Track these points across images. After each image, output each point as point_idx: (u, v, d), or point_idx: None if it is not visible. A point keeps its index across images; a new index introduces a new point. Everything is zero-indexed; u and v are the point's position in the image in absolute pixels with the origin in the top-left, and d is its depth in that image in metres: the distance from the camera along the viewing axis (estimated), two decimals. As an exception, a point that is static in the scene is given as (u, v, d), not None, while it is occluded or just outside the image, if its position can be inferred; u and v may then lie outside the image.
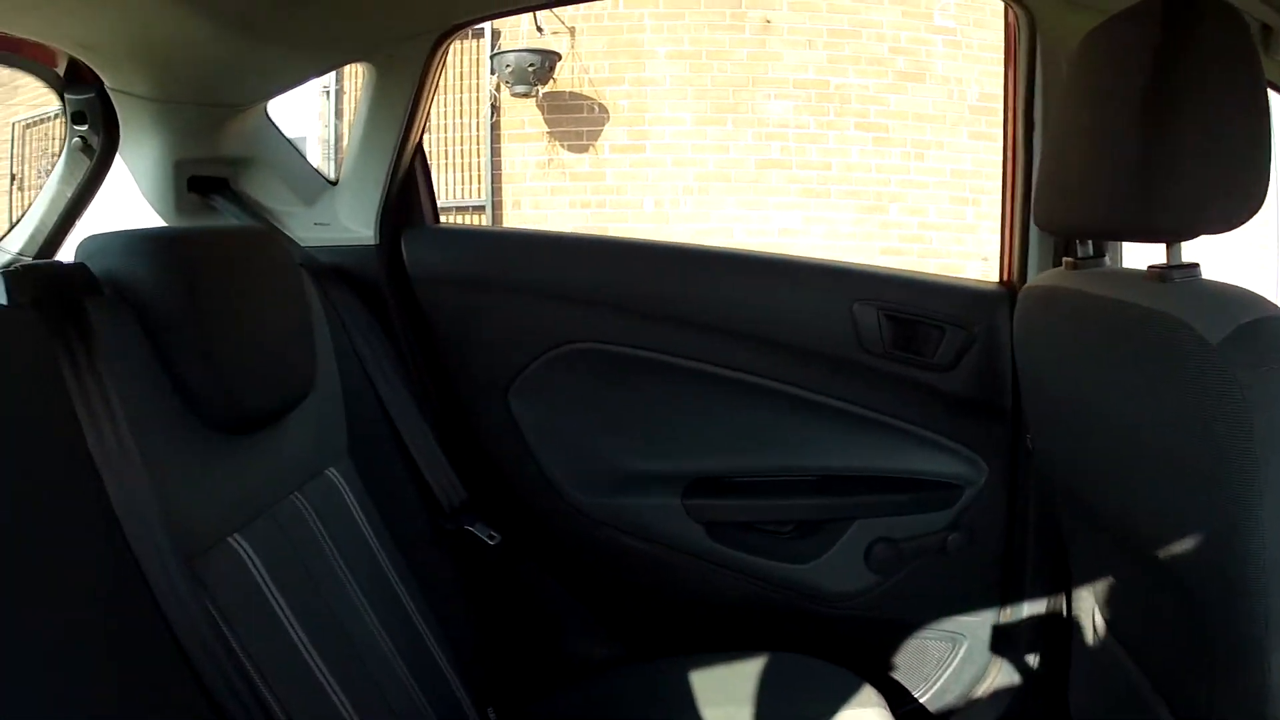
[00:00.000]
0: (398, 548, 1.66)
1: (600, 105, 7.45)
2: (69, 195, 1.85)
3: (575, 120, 7.45)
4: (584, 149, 7.50)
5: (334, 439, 1.66)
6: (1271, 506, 1.01)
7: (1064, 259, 1.49)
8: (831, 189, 7.38)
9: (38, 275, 1.26)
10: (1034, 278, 1.64)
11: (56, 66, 1.76)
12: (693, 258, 1.91)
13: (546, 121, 7.41)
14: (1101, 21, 1.23)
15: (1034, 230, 1.75)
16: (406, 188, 1.94)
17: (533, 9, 2.42)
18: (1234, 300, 1.09)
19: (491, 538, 1.77)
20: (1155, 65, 1.07)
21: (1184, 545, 1.11)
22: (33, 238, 1.87)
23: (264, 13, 1.62)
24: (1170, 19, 1.07)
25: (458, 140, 7.27)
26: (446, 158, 7.23)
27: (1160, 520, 1.15)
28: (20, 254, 1.87)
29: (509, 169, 7.35)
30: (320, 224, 1.96)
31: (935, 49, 7.23)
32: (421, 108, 1.87)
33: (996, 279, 1.85)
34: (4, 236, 1.92)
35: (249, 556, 1.35)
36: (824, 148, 7.38)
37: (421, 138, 1.94)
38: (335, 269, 1.82)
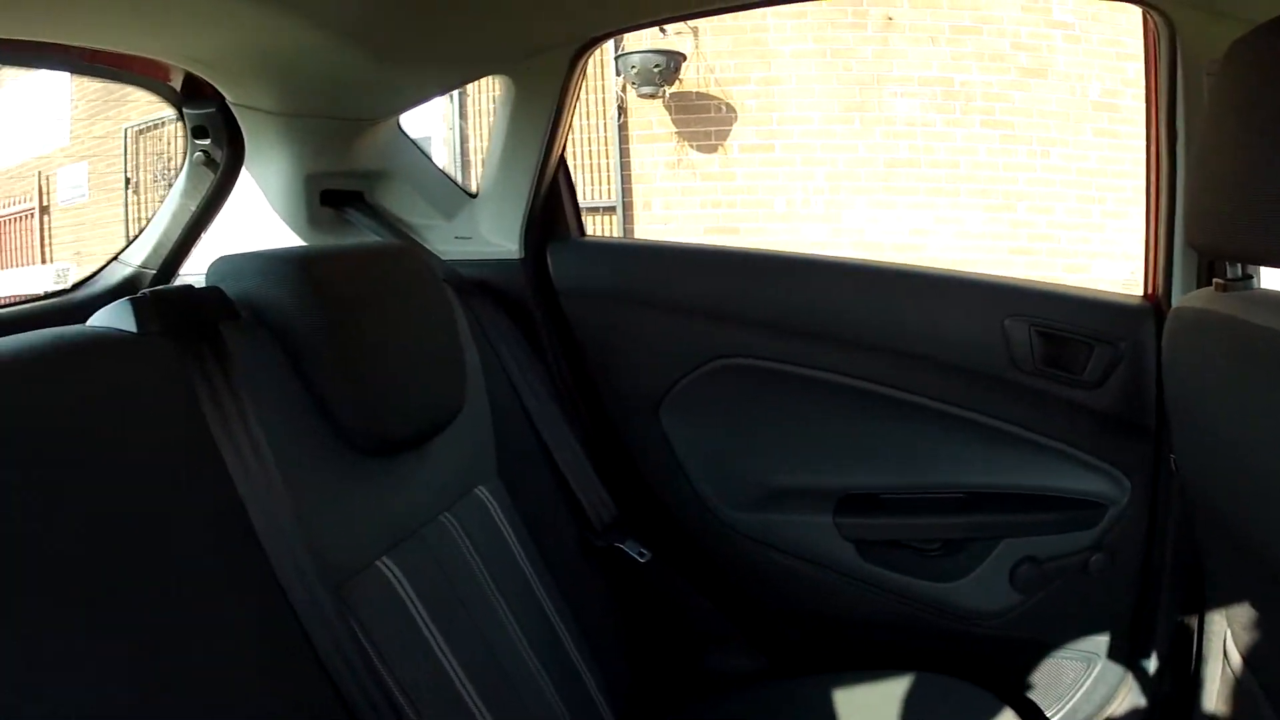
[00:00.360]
0: (547, 566, 1.67)
1: (728, 105, 7.50)
2: (192, 209, 1.90)
3: (703, 120, 7.52)
4: (713, 149, 7.56)
5: (483, 457, 1.67)
6: None
7: (1214, 280, 1.46)
8: (960, 187, 7.36)
9: (169, 300, 1.25)
10: (1183, 298, 1.61)
11: (171, 81, 1.79)
12: (843, 271, 1.92)
13: (674, 122, 7.49)
14: (1246, 31, 1.19)
15: (1178, 245, 1.72)
16: (550, 200, 1.95)
17: (669, 20, 2.43)
18: None
19: (642, 555, 1.78)
20: None
21: None
22: (155, 251, 1.92)
23: (393, 29, 1.63)
24: None
25: (585, 142, 7.42)
26: (575, 159, 7.37)
27: None
28: (143, 267, 1.94)
29: (638, 169, 7.48)
30: (461, 237, 1.98)
31: (1055, 44, 7.23)
32: (564, 121, 1.89)
33: (1143, 293, 1.83)
34: (125, 250, 1.97)
35: (397, 580, 1.35)
36: (951, 146, 7.36)
37: (564, 150, 1.96)
38: (479, 283, 1.84)
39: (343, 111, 1.86)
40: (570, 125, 1.94)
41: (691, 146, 7.54)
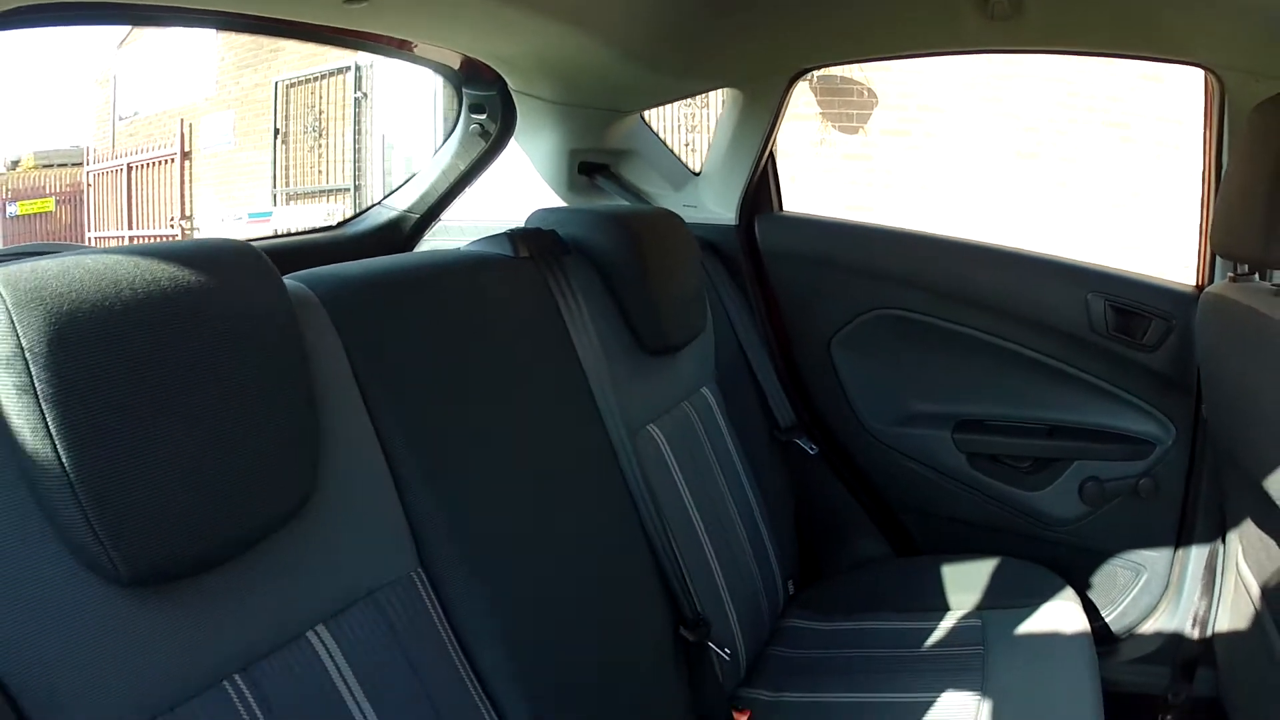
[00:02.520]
0: (745, 451, 2.03)
1: (869, 90, 7.51)
2: (460, 169, 2.15)
3: (846, 104, 7.54)
4: (854, 130, 7.57)
5: (708, 365, 2.06)
6: None
7: (1228, 275, 1.78)
8: (1081, 182, 7.35)
9: (532, 236, 1.64)
10: (1210, 287, 1.88)
11: (453, 64, 2.00)
12: (969, 249, 2.23)
13: (819, 104, 7.52)
14: (1275, 94, 1.49)
15: None
16: (760, 182, 2.32)
17: (872, 60, 2.66)
18: None
19: (811, 448, 2.21)
20: None
21: None
22: (421, 199, 2.19)
23: (660, 46, 1.93)
24: None
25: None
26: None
27: None
28: (407, 211, 2.20)
29: (784, 146, 7.51)
30: (689, 205, 2.35)
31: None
32: (777, 125, 2.26)
33: (1194, 283, 2.10)
34: (388, 196, 2.23)
35: (660, 441, 1.78)
36: (1073, 141, 7.36)
37: (774, 147, 2.34)
38: (703, 242, 2.21)
39: (605, 103, 2.19)
40: (779, 128, 2.28)
41: (834, 127, 7.55)
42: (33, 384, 0.78)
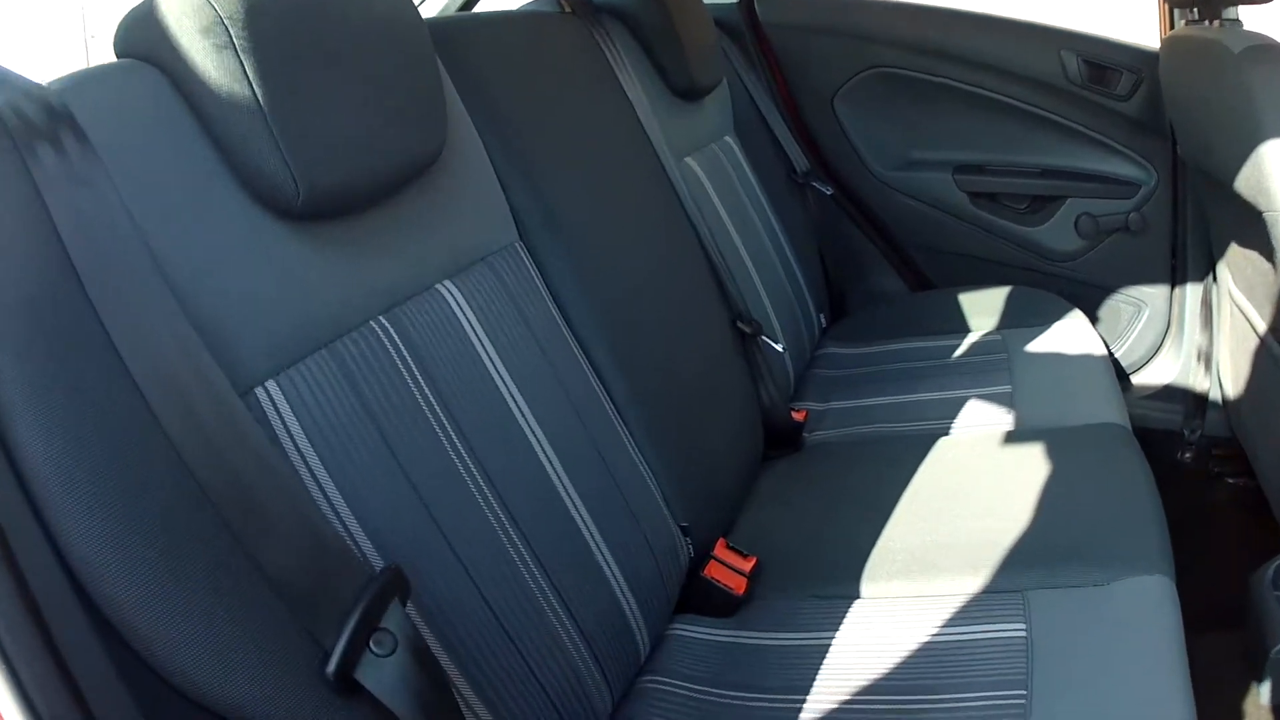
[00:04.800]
0: (768, 194, 2.15)
1: None
2: None
3: None
4: None
5: (728, 116, 2.19)
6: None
7: (1183, 22, 1.93)
8: None
9: None
10: (1170, 33, 2.03)
11: None
12: (950, 14, 2.32)
13: None
14: None
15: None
16: None
17: None
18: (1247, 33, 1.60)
19: (827, 189, 2.35)
20: None
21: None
22: None
23: None
24: None
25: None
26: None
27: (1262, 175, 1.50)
28: None
29: None
30: None
31: None
32: None
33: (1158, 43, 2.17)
34: None
35: (699, 172, 1.90)
36: None
37: None
38: (717, 20, 2.26)
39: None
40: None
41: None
42: (232, 42, 0.86)
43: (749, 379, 1.74)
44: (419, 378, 1.02)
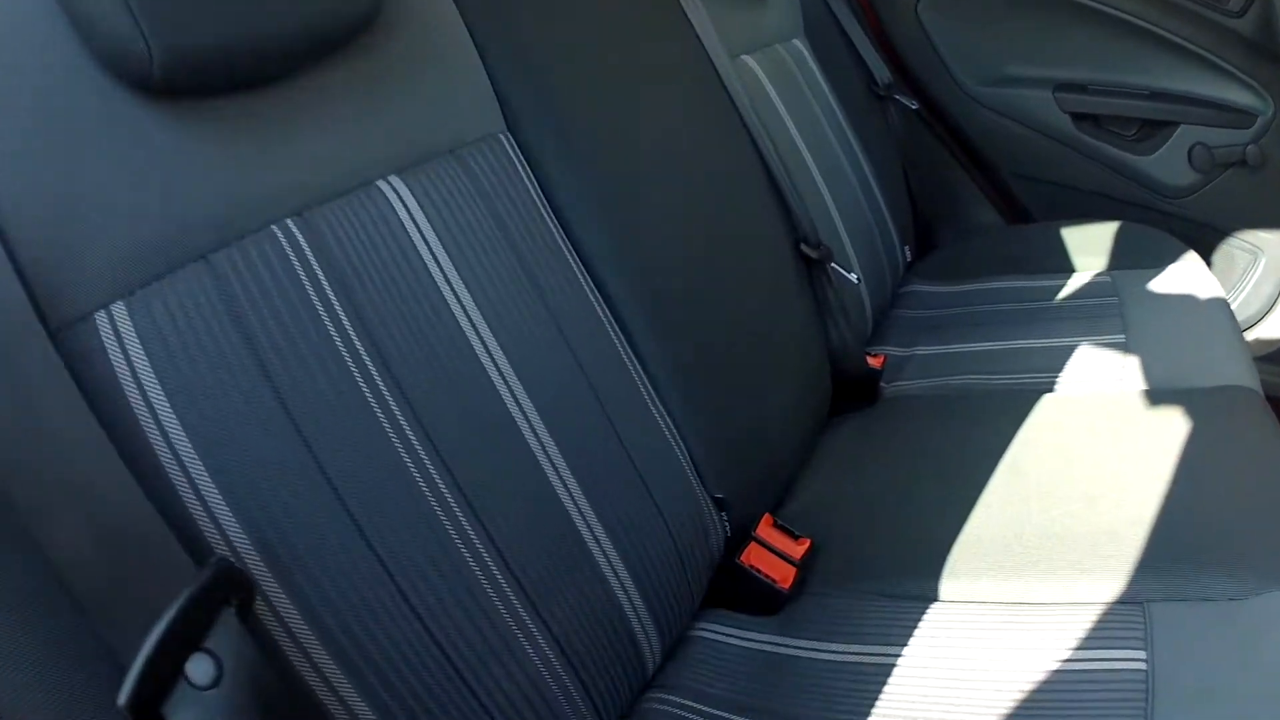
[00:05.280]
0: (846, 108, 1.93)
1: None
2: None
3: None
4: None
5: (797, 18, 1.94)
6: None
7: None
8: None
9: None
10: None
11: None
12: None
13: None
14: None
15: None
16: None
17: None
18: None
19: (913, 104, 2.12)
20: None
21: None
22: None
23: None
24: None
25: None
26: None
27: None
28: None
29: None
30: None
31: None
32: None
33: None
34: None
35: (759, 72, 1.65)
36: None
37: None
38: None
39: None
40: None
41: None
42: None
43: (815, 315, 1.48)
44: (332, 299, 0.78)
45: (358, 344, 0.78)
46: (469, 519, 0.80)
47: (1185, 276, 1.77)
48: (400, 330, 0.81)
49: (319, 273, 0.77)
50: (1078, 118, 2.18)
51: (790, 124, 1.69)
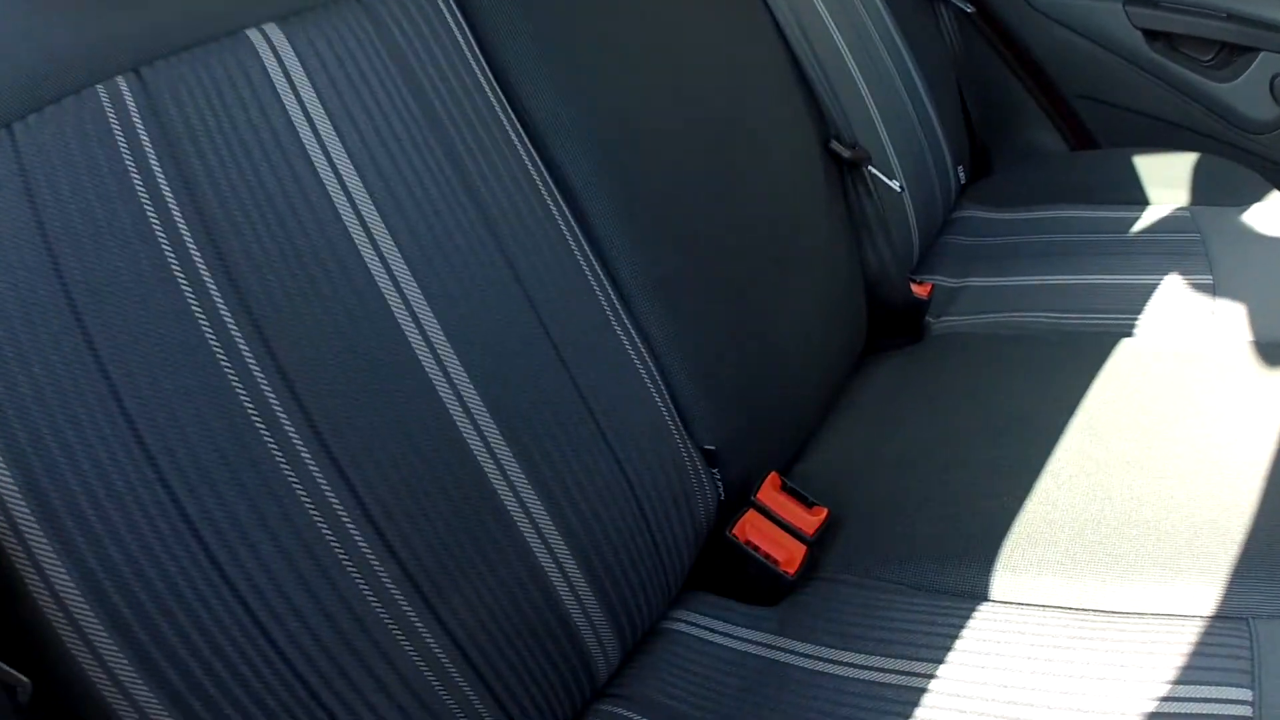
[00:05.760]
0: (895, 12, 1.75)
1: None
2: None
3: None
4: None
5: None
6: None
7: None
8: None
9: None
10: None
11: None
12: None
13: None
14: None
15: None
16: None
17: None
18: None
19: (968, 7, 1.94)
20: None
21: None
22: None
23: None
24: None
25: None
26: None
27: None
28: None
29: None
30: None
31: None
32: None
33: None
34: None
35: None
36: None
37: None
38: None
39: None
40: None
41: None
42: None
43: (848, 227, 1.26)
44: (155, 170, 0.60)
45: (181, 226, 0.60)
46: (327, 472, 0.59)
47: (1275, 219, 1.61)
48: (246, 211, 0.62)
49: (144, 138, 0.60)
50: (1150, 35, 2.01)
51: (827, 18, 1.48)
